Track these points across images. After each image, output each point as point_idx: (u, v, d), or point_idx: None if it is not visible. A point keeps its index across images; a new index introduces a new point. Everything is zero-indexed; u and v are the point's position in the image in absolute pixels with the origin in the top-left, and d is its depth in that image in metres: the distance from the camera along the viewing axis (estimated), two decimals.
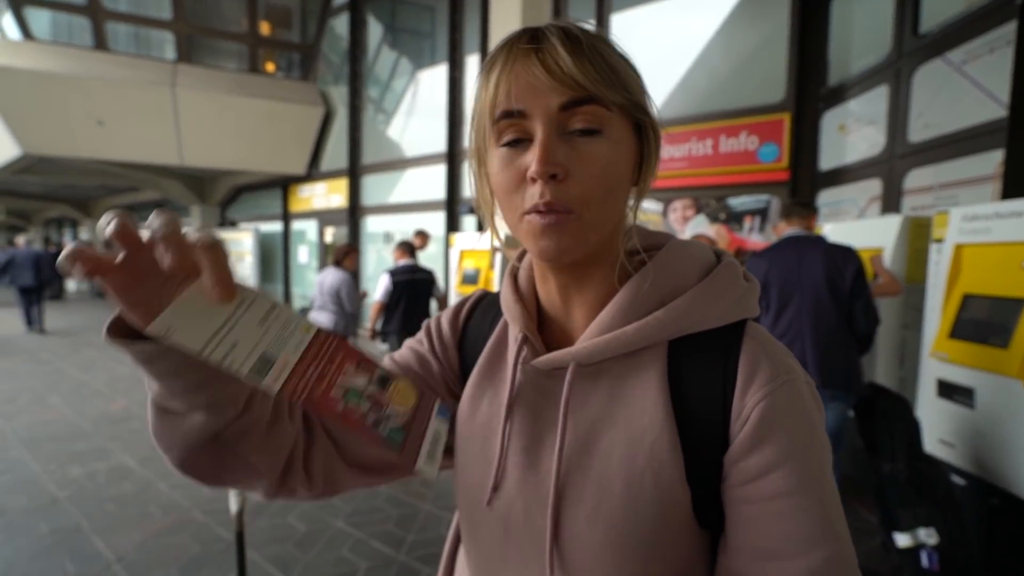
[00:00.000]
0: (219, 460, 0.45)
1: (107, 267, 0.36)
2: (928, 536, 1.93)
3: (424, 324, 0.63)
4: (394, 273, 3.89)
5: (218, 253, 0.36)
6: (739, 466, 0.43)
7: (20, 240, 9.00)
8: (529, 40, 0.43)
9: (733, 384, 0.44)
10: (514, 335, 0.53)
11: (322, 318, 4.00)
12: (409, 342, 0.62)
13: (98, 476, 3.09)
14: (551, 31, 0.43)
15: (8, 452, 3.43)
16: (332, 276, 4.02)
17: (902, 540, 1.98)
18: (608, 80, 0.42)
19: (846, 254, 2.25)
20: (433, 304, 4.15)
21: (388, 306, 3.85)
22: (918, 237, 2.71)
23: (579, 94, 0.42)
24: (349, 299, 3.99)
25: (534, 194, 0.42)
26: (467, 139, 0.49)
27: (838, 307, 2.22)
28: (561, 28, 0.43)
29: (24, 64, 7.13)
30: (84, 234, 17.71)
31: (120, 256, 0.36)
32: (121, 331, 0.39)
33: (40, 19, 7.69)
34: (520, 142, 0.44)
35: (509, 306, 0.54)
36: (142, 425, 3.99)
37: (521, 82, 0.42)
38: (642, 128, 0.47)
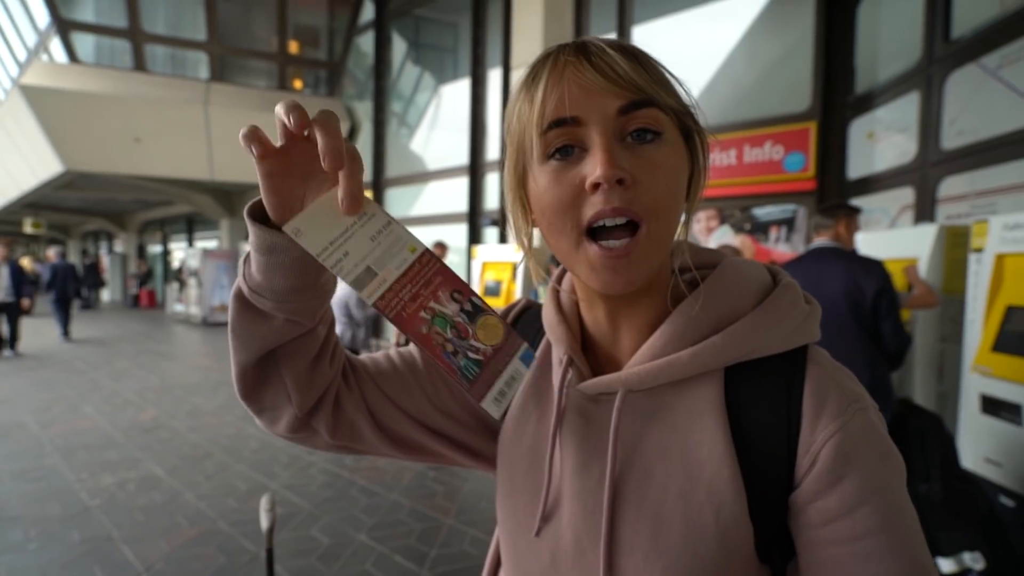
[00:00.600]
0: (265, 376, 0.49)
1: (270, 150, 0.40)
2: (974, 561, 1.83)
3: None
4: None
5: (356, 166, 0.38)
6: (816, 505, 0.40)
7: (51, 253, 9.22)
8: (576, 50, 0.41)
9: (799, 415, 0.41)
10: (558, 357, 0.50)
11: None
12: None
13: (128, 485, 3.16)
14: (594, 43, 0.42)
15: (44, 460, 3.54)
16: (341, 288, 4.13)
17: (946, 566, 1.88)
18: (662, 84, 0.42)
19: (869, 269, 2.13)
20: None
21: None
22: (955, 247, 2.61)
23: (638, 96, 0.40)
24: (358, 308, 4.09)
25: (595, 203, 0.39)
26: (495, 156, 0.46)
27: (858, 323, 2.12)
28: (606, 40, 0.42)
29: (69, 86, 7.50)
30: (119, 247, 18.38)
31: (281, 143, 0.40)
32: (257, 215, 0.43)
33: (85, 43, 8.09)
34: (570, 155, 0.41)
35: (552, 327, 0.51)
36: (171, 435, 4.08)
37: (573, 88, 0.40)
38: (690, 137, 0.44)
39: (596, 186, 0.39)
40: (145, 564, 2.32)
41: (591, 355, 0.50)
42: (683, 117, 0.43)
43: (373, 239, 0.38)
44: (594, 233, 0.41)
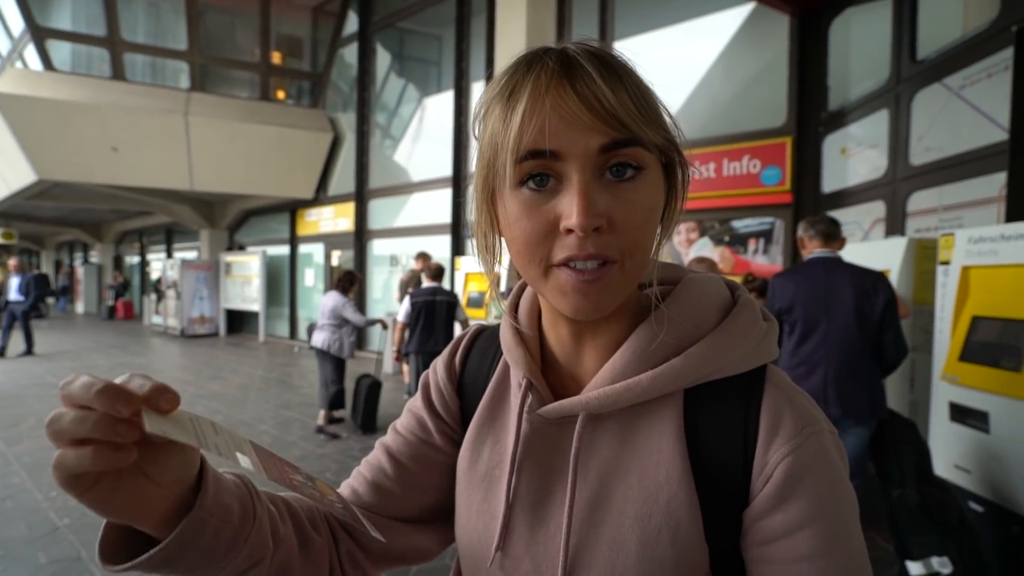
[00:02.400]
0: None
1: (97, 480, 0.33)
2: (942, 566, 1.87)
3: (423, 376, 0.59)
4: (414, 295, 4.10)
5: (124, 389, 0.32)
6: (761, 524, 0.40)
7: (13, 262, 8.87)
8: (559, 63, 0.37)
9: (755, 436, 0.41)
10: (517, 380, 0.49)
11: (323, 335, 4.22)
12: (410, 403, 0.59)
13: None
14: (581, 55, 0.38)
15: (10, 478, 3.41)
16: (333, 299, 4.23)
17: (915, 569, 1.92)
18: (649, 118, 0.38)
19: (877, 281, 2.16)
20: (457, 327, 4.20)
21: (409, 327, 4.07)
22: (924, 259, 2.70)
23: (622, 135, 0.37)
24: (355, 315, 4.20)
25: (569, 245, 0.37)
26: (473, 167, 0.44)
27: (864, 335, 2.14)
28: (591, 52, 0.38)
29: (43, 93, 7.35)
30: (95, 257, 17.95)
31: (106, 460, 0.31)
32: (118, 556, 0.37)
33: (61, 51, 7.97)
34: (544, 184, 0.38)
35: (510, 348, 0.49)
36: None
37: (556, 118, 0.36)
38: (670, 165, 0.42)
39: (571, 230, 0.37)
40: None
41: (552, 374, 0.49)
42: (667, 151, 0.41)
43: (216, 432, 0.35)
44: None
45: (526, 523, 0.46)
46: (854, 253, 3.01)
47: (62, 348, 9.27)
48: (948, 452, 2.16)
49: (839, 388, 2.14)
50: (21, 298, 8.30)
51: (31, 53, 7.79)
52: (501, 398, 0.52)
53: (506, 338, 0.50)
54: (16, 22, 7.86)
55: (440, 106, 7.79)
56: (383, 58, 8.88)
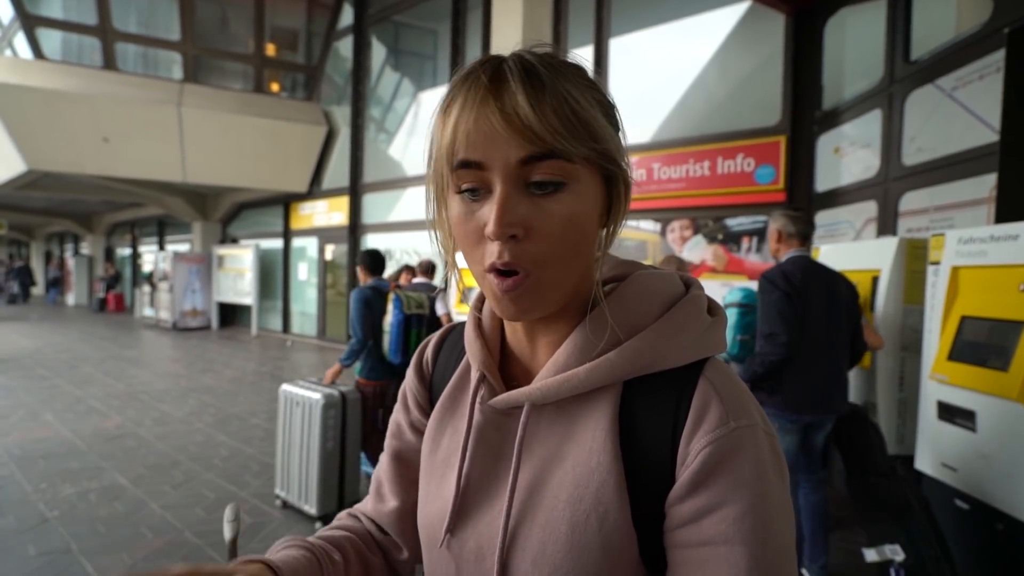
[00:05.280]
0: None
1: None
2: (894, 553, 1.90)
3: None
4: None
5: None
6: (674, 509, 0.41)
7: None
8: (491, 78, 0.40)
9: (683, 427, 0.42)
10: (474, 373, 0.51)
11: None
12: (397, 404, 0.63)
13: (90, 495, 3.04)
14: (512, 70, 0.40)
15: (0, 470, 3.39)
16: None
17: (869, 556, 1.95)
18: (572, 131, 0.39)
19: (853, 285, 2.27)
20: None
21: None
22: (915, 259, 2.72)
23: (539, 149, 0.39)
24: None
25: (492, 252, 0.41)
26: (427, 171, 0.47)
27: (850, 332, 2.22)
28: (524, 66, 0.40)
29: (33, 83, 7.25)
30: (86, 249, 17.78)
31: None
32: None
33: (52, 39, 7.86)
34: (478, 194, 0.41)
35: (470, 343, 0.52)
36: (136, 443, 3.95)
37: (479, 131, 0.39)
38: (611, 177, 0.44)
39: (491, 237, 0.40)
40: None
41: (510, 367, 0.52)
42: (598, 161, 0.42)
43: None
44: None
45: (475, 506, 0.49)
46: (846, 252, 3.03)
47: (52, 340, 9.18)
48: (936, 450, 2.19)
49: (839, 387, 2.19)
50: None
51: (21, 41, 7.68)
52: (462, 389, 0.55)
53: (468, 332, 0.53)
54: (5, 10, 7.74)
55: (435, 101, 7.72)
56: (378, 51, 8.82)
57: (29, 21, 7.52)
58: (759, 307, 2.22)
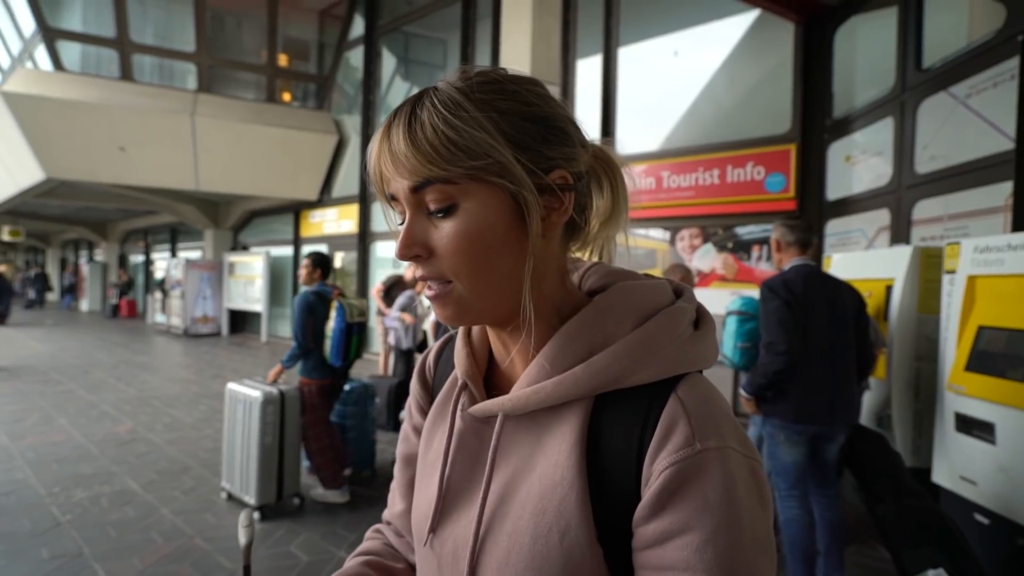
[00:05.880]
0: None
1: None
2: None
3: None
4: None
5: None
6: (639, 530, 0.41)
7: None
8: (388, 122, 0.44)
9: (648, 445, 0.41)
10: (459, 381, 0.54)
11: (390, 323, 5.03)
12: (405, 410, 0.66)
13: (102, 500, 3.07)
14: (402, 112, 0.43)
15: (13, 473, 3.43)
16: (404, 295, 4.87)
17: None
18: (445, 155, 0.41)
19: (860, 296, 2.22)
20: None
21: (437, 324, 4.33)
22: (929, 268, 2.69)
23: (418, 178, 0.42)
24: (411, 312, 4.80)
25: (414, 268, 0.46)
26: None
27: (857, 344, 2.18)
28: (413, 105, 0.43)
29: (53, 93, 7.41)
30: (100, 256, 18.04)
31: None
32: None
33: (71, 51, 8.04)
34: (402, 220, 0.46)
35: (457, 351, 0.55)
36: (148, 448, 3.98)
37: (384, 168, 0.44)
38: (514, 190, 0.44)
39: None
40: None
41: (496, 378, 0.53)
42: (485, 175, 0.42)
43: None
44: None
45: (454, 509, 0.51)
46: (858, 261, 3.01)
47: (66, 345, 9.31)
48: (954, 463, 2.15)
49: (844, 399, 2.13)
50: None
51: (42, 53, 7.86)
52: (450, 396, 0.56)
53: (457, 342, 0.56)
54: (27, 22, 7.93)
55: None
56: (388, 61, 8.93)
57: (50, 34, 7.71)
58: (760, 316, 2.19)
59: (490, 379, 0.53)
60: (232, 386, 3.08)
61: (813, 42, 4.50)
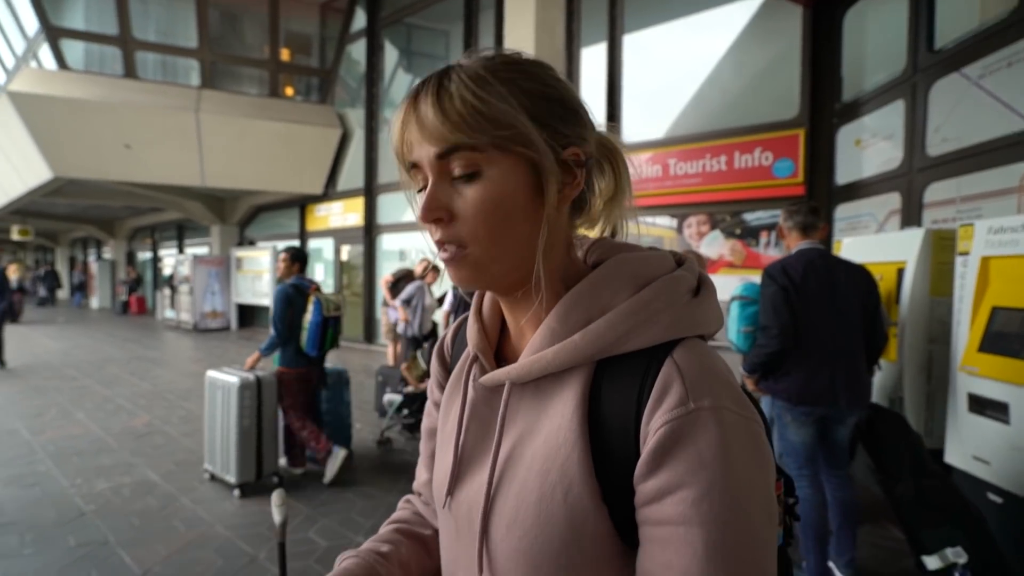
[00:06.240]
0: None
1: None
2: (957, 556, 1.87)
3: None
4: (456, 287, 4.41)
5: None
6: (639, 487, 0.42)
7: None
8: (414, 94, 0.47)
9: (645, 407, 0.43)
10: (470, 354, 0.56)
11: (393, 315, 5.11)
12: (428, 387, 0.70)
13: (123, 490, 3.13)
14: (430, 82, 0.46)
15: (36, 466, 3.50)
16: (412, 285, 4.95)
17: (931, 563, 1.92)
18: (474, 126, 0.44)
19: (869, 276, 2.20)
20: None
21: (453, 314, 4.52)
22: (942, 250, 2.68)
23: (444, 146, 0.45)
24: (419, 301, 4.87)
25: (433, 233, 0.48)
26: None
27: (864, 326, 2.17)
28: (440, 77, 0.46)
29: (58, 92, 7.44)
30: (108, 253, 18.17)
31: None
32: None
33: (75, 50, 8.05)
34: (423, 187, 0.48)
35: (469, 326, 0.57)
36: (164, 440, 4.04)
37: (409, 136, 0.47)
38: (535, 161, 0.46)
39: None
40: (143, 568, 2.30)
41: (506, 350, 0.56)
42: (510, 144, 0.45)
43: None
44: None
45: (468, 474, 0.54)
46: (869, 245, 3.00)
47: (79, 342, 9.42)
48: (967, 443, 2.16)
49: (848, 380, 2.13)
50: None
51: (46, 53, 7.88)
52: (463, 369, 0.60)
53: (469, 318, 0.59)
54: (30, 22, 7.95)
55: None
56: (391, 54, 8.89)
57: (53, 32, 7.72)
58: (760, 301, 2.23)
59: (502, 352, 0.56)
60: (211, 373, 3.25)
61: (822, 25, 4.46)
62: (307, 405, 3.36)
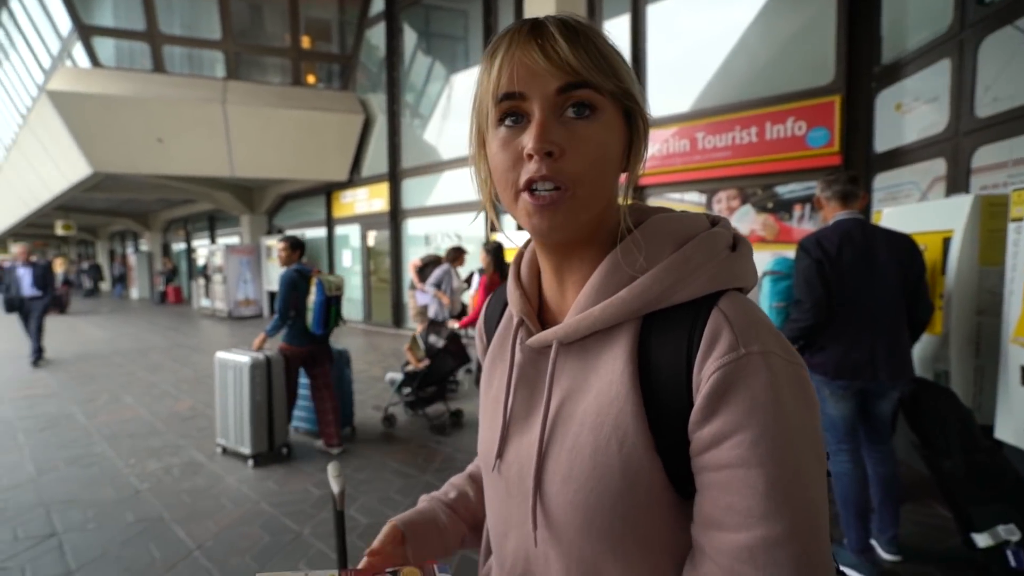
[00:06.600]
0: None
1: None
2: (1009, 533, 1.82)
3: None
4: (481, 270, 4.61)
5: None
6: (696, 435, 0.43)
7: (18, 248, 7.03)
8: (530, 30, 0.46)
9: (696, 355, 0.44)
10: (514, 318, 0.57)
11: (422, 299, 5.09)
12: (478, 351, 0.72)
13: (173, 470, 3.29)
14: (550, 22, 0.46)
15: (93, 447, 3.70)
16: (439, 269, 4.96)
17: (981, 540, 1.87)
18: (601, 67, 0.45)
19: (912, 246, 2.10)
20: None
21: (485, 293, 4.60)
22: (992, 217, 2.55)
23: (574, 79, 0.45)
24: (447, 284, 4.88)
25: (530, 169, 0.45)
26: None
27: (905, 297, 2.10)
28: (560, 19, 0.46)
29: (93, 89, 7.66)
30: (145, 246, 18.83)
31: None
32: None
33: (106, 47, 8.25)
34: (519, 122, 0.47)
35: (510, 292, 0.58)
36: (208, 423, 4.22)
37: (522, 67, 0.45)
38: (631, 116, 0.49)
39: (531, 155, 0.45)
40: (196, 542, 2.43)
41: (547, 312, 0.57)
42: (622, 99, 0.47)
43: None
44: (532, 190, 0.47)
45: (517, 434, 0.55)
46: (912, 214, 2.87)
47: (123, 331, 9.85)
48: (1019, 418, 2.08)
49: (888, 353, 2.07)
50: (38, 293, 6.77)
51: (79, 51, 8.09)
52: (507, 335, 0.62)
53: (509, 284, 0.60)
54: (63, 21, 8.16)
55: (468, 82, 7.72)
56: (410, 36, 8.83)
57: (85, 31, 7.92)
58: (793, 274, 2.17)
59: (541, 316, 0.57)
60: (221, 355, 3.51)
61: None
62: (322, 380, 3.62)
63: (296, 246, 3.65)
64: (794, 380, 0.42)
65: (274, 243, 11.31)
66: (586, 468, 0.47)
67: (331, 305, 3.54)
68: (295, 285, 3.49)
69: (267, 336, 3.54)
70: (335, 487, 0.83)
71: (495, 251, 4.04)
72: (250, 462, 3.33)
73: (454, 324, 4.37)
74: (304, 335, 3.54)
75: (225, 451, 3.53)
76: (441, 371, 4.07)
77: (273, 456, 3.42)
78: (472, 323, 4.06)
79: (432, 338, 4.14)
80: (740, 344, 0.42)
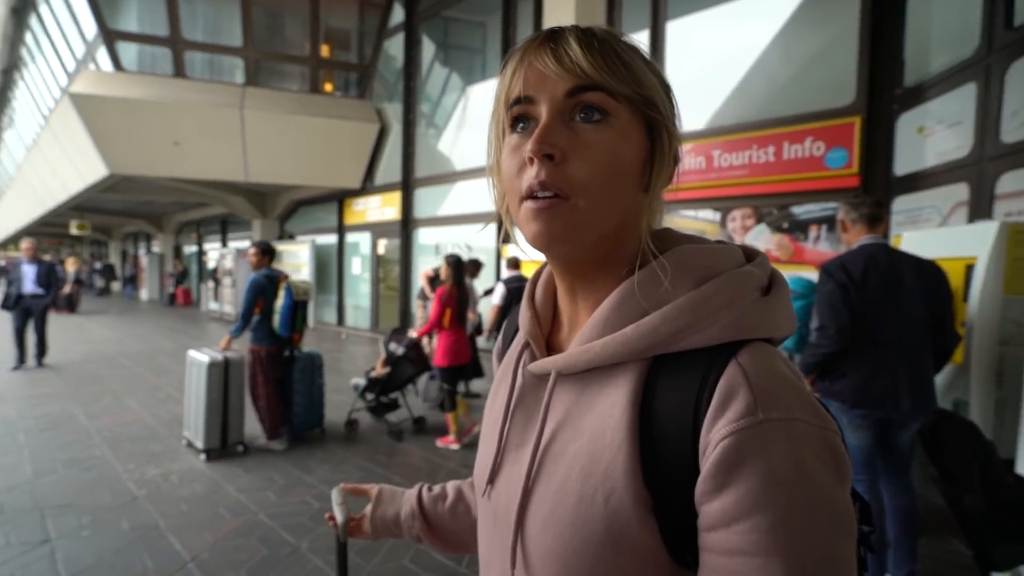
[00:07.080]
0: None
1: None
2: None
3: None
4: (507, 281, 4.63)
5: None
6: (704, 508, 0.38)
7: (27, 243, 6.78)
8: (547, 37, 0.45)
9: (704, 413, 0.38)
10: (522, 340, 0.55)
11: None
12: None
13: (172, 476, 3.24)
14: (570, 29, 0.45)
15: (93, 450, 3.67)
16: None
17: None
18: (616, 72, 0.43)
19: (939, 272, 2.05)
20: None
21: (503, 308, 4.55)
22: (1018, 244, 2.47)
23: (584, 81, 0.42)
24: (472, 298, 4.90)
25: (530, 175, 0.43)
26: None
27: (929, 325, 2.03)
28: (581, 27, 0.45)
29: (114, 93, 7.78)
30: (157, 247, 19.04)
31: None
32: None
33: (129, 51, 8.40)
34: (528, 128, 0.45)
35: (521, 311, 0.55)
36: None
37: (532, 71, 0.44)
38: (654, 128, 0.45)
39: (532, 159, 0.42)
40: (192, 554, 2.37)
41: (558, 337, 0.53)
42: (641, 107, 0.44)
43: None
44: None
45: (509, 463, 0.51)
46: (933, 239, 2.79)
47: (131, 332, 9.90)
48: None
49: (912, 382, 1.99)
50: (40, 291, 6.59)
51: (103, 55, 8.25)
52: (514, 356, 0.58)
53: (522, 304, 0.57)
54: (89, 26, 8.33)
55: (485, 94, 7.76)
56: (428, 48, 8.92)
57: (110, 35, 8.07)
58: (816, 298, 2.10)
59: (554, 341, 0.53)
60: (191, 353, 3.70)
61: (883, 4, 4.19)
62: (279, 380, 3.79)
63: (266, 252, 3.86)
64: (821, 448, 0.37)
65: (284, 248, 11.38)
66: (568, 515, 0.43)
67: (298, 309, 3.75)
68: (263, 289, 3.69)
69: (232, 337, 3.70)
70: (339, 516, 0.79)
71: (456, 264, 3.96)
72: (202, 456, 3.50)
73: (413, 333, 4.27)
74: (272, 336, 3.74)
75: (190, 444, 3.71)
76: (400, 378, 4.10)
77: (226, 452, 3.60)
78: (428, 333, 3.94)
79: (392, 345, 4.13)
80: (758, 408, 0.36)
